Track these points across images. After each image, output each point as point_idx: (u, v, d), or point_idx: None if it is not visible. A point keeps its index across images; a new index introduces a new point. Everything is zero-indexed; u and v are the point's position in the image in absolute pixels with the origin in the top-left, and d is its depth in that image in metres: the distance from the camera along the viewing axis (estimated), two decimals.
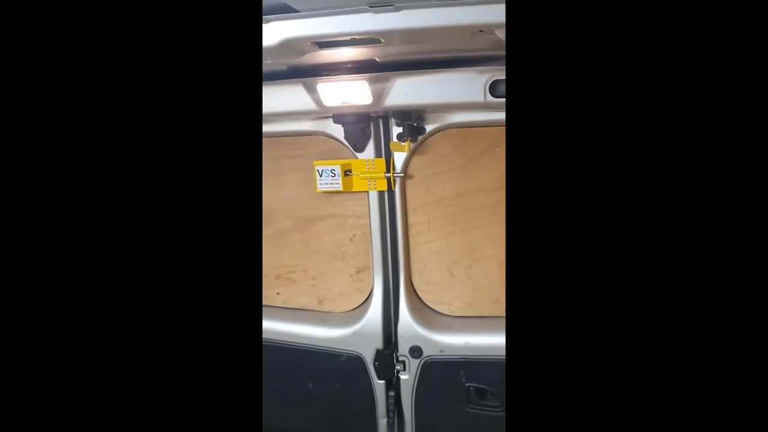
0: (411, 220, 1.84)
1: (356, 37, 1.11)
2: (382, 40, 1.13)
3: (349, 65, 1.57)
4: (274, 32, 1.19)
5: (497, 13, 0.99)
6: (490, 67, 1.49)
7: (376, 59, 1.50)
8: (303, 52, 1.26)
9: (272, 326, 1.94)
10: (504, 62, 1.47)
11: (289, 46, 1.24)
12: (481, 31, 1.05)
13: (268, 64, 1.47)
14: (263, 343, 1.90)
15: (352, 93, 1.62)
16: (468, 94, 1.53)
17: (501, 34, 1.06)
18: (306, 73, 1.60)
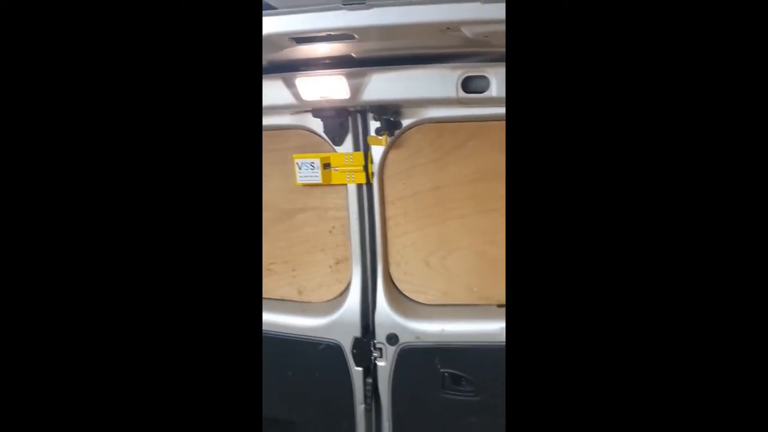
0: (388, 213, 1.89)
1: (331, 33, 1.16)
2: (356, 36, 1.19)
3: (327, 61, 1.62)
4: None
5: (462, 12, 1.05)
6: (462, 64, 1.56)
7: (353, 55, 1.55)
8: (281, 47, 1.31)
9: None
10: (475, 59, 1.54)
11: (268, 41, 1.29)
12: (448, 28, 1.11)
13: None
14: None
15: (330, 88, 1.68)
16: (441, 90, 1.59)
17: (467, 32, 1.12)
18: (285, 69, 1.64)
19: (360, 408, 1.97)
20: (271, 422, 2.04)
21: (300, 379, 1.99)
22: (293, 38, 1.25)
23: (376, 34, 1.21)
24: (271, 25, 1.23)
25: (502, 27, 1.10)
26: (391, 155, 1.85)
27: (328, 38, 1.20)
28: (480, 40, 1.32)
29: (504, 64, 1.52)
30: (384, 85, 1.64)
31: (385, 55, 1.57)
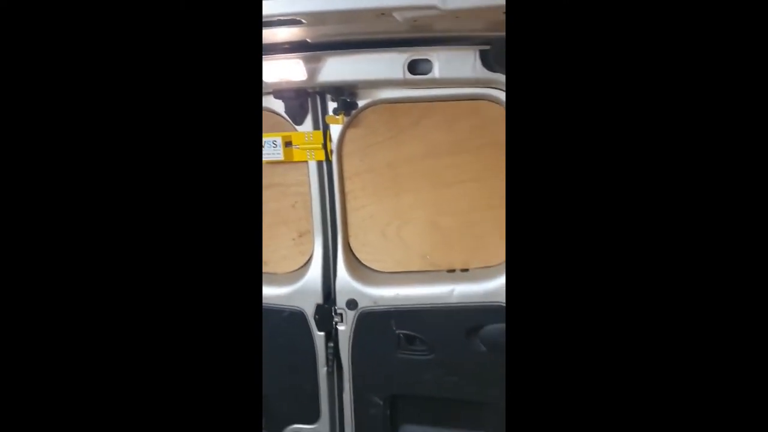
0: (347, 188, 2.04)
1: (281, 18, 1.30)
2: (304, 21, 1.33)
3: (286, 45, 1.75)
4: None
5: None
6: (409, 48, 1.71)
7: (308, 40, 1.69)
8: None
9: None
10: (420, 44, 1.70)
11: None
12: (383, 14, 1.25)
13: None
14: None
15: (289, 71, 1.81)
16: (390, 72, 1.74)
17: (398, 17, 1.27)
18: None
19: (323, 371, 2.12)
20: None
21: (266, 344, 2.13)
22: None
23: (321, 19, 1.35)
24: None
25: (432, 12, 1.26)
26: (349, 134, 1.98)
27: (279, 23, 1.33)
28: (420, 25, 1.46)
29: (445, 48, 1.69)
30: (338, 68, 1.78)
31: (339, 40, 1.71)
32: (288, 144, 1.99)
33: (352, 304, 2.03)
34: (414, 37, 1.65)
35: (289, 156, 1.99)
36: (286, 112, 1.96)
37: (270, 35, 1.62)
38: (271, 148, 1.98)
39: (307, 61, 1.76)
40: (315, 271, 2.08)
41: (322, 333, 2.08)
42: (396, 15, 1.24)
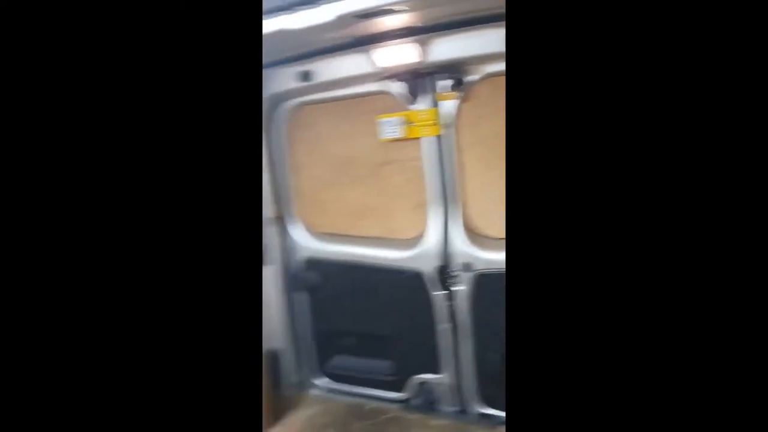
0: (461, 159, 2.19)
1: (381, 8, 1.51)
2: (396, 9, 1.52)
3: (397, 32, 1.96)
4: (326, 12, 1.63)
5: None
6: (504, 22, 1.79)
7: (419, 24, 1.87)
8: (347, 25, 1.69)
9: (352, 250, 2.43)
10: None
11: (341, 20, 1.67)
12: None
13: (333, 38, 1.92)
14: (348, 264, 2.40)
15: (402, 54, 2.03)
16: (492, 46, 1.85)
17: None
18: (365, 42, 2.02)
19: (443, 327, 2.32)
20: (366, 337, 2.49)
21: (389, 301, 2.40)
22: (355, 15, 1.62)
23: (411, 5, 1.52)
24: (339, 7, 1.61)
25: None
26: (461, 108, 2.13)
27: (378, 12, 1.54)
28: None
29: None
30: (447, 47, 1.96)
31: (444, 22, 1.87)
32: (405, 123, 2.21)
33: (467, 266, 2.19)
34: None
35: (406, 133, 2.21)
36: (401, 93, 2.18)
37: (381, 24, 1.85)
38: (390, 128, 2.22)
39: (418, 43, 1.96)
40: (433, 237, 2.28)
41: (442, 292, 2.28)
42: None
